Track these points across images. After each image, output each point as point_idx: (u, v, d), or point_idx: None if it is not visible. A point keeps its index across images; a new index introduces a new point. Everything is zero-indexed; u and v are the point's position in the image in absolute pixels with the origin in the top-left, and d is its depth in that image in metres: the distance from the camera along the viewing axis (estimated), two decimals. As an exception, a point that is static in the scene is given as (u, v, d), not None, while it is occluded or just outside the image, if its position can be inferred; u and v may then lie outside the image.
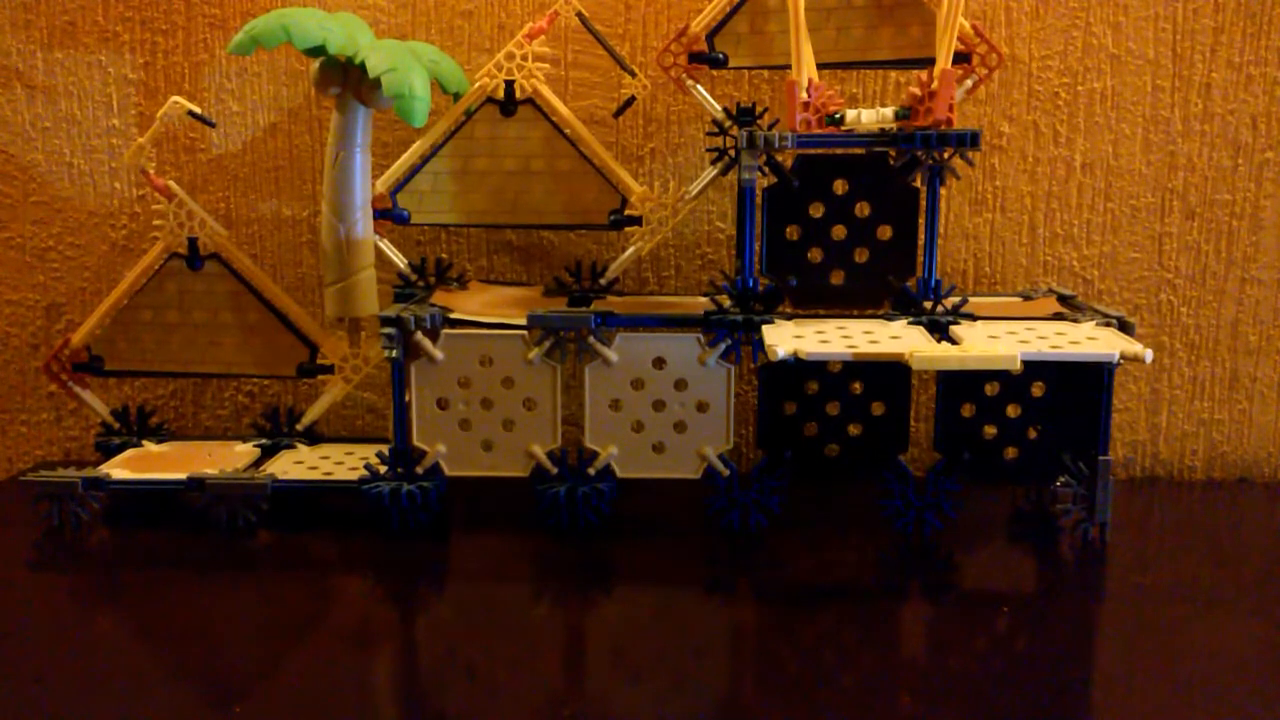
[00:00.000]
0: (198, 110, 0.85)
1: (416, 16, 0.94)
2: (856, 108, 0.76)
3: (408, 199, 0.87)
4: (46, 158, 0.97)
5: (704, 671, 0.62)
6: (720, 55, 0.84)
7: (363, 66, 0.77)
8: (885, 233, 0.79)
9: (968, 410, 0.80)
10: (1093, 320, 0.77)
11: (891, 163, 0.78)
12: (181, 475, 0.83)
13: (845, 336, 0.73)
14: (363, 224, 0.83)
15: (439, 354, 0.79)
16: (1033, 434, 0.80)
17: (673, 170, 0.95)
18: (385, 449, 0.81)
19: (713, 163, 0.85)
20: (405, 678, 0.63)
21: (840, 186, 0.79)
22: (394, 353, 0.78)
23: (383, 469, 0.81)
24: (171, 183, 0.87)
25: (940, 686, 0.60)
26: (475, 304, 0.85)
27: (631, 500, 0.83)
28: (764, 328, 0.76)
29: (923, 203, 0.78)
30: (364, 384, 0.91)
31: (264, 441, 0.91)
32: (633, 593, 0.74)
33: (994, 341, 0.72)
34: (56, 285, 0.99)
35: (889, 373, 0.80)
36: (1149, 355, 0.69)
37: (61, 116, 0.96)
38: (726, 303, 0.79)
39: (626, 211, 0.86)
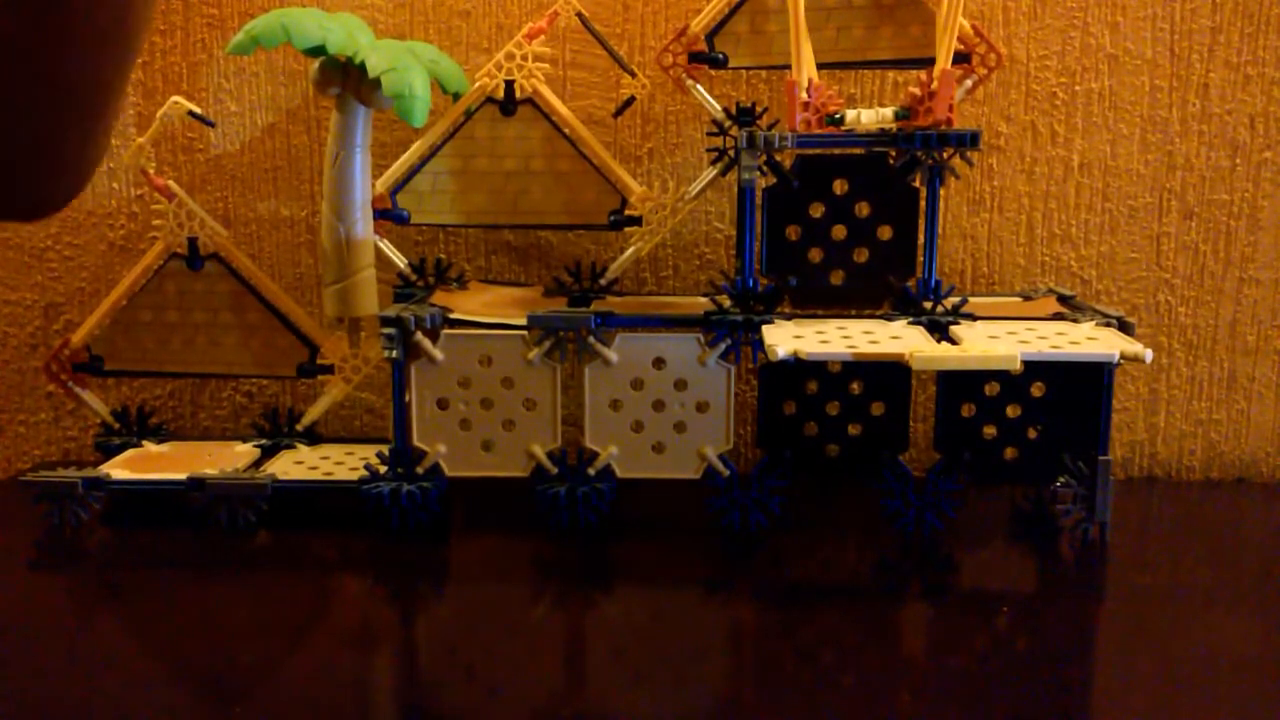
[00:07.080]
0: (198, 110, 0.85)
1: (415, 16, 0.94)
2: (856, 108, 0.76)
3: (407, 199, 0.87)
4: (45, 157, 0.97)
5: (704, 671, 0.62)
6: (720, 55, 0.84)
7: (362, 66, 0.77)
8: (885, 233, 0.79)
9: (968, 410, 0.80)
10: (1092, 320, 0.77)
11: (891, 163, 0.78)
12: (181, 475, 0.83)
13: (845, 336, 0.73)
14: (363, 224, 0.83)
15: (439, 354, 0.79)
16: (1033, 434, 0.80)
17: (671, 170, 0.95)
18: (385, 449, 0.81)
19: (712, 163, 0.85)
20: (405, 678, 0.63)
21: (840, 186, 0.79)
22: (394, 353, 0.78)
23: (383, 469, 0.81)
24: (171, 183, 0.87)
25: (940, 686, 0.60)
26: (475, 304, 0.85)
27: (631, 500, 0.83)
28: (764, 328, 0.76)
29: (922, 203, 0.78)
30: (363, 384, 0.91)
31: (264, 442, 0.91)
32: (633, 593, 0.74)
33: (994, 341, 0.72)
34: (55, 285, 0.99)
35: (889, 373, 0.80)
36: (1149, 355, 0.69)
37: (60, 116, 0.96)
38: (726, 303, 0.79)
39: (626, 212, 0.86)
